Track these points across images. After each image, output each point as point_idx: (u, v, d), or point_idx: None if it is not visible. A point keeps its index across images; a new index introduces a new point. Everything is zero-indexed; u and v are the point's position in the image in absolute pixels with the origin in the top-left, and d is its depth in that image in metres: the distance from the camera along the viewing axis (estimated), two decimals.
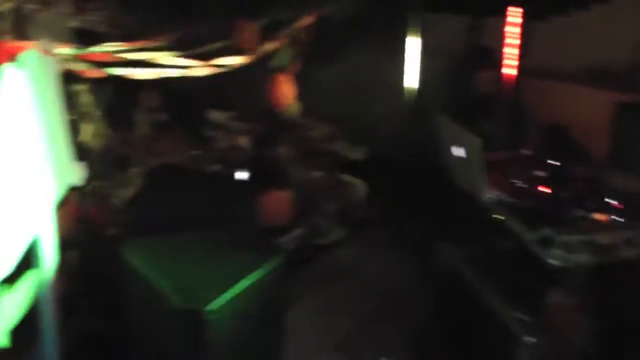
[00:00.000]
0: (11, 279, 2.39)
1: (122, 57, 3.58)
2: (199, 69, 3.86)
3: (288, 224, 4.36)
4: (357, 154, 4.88)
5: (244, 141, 4.73)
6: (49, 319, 2.68)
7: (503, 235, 3.11)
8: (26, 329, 2.59)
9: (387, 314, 4.02)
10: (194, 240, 3.32)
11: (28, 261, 2.54)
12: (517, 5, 4.55)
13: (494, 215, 3.13)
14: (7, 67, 2.21)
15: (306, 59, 4.75)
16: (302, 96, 4.91)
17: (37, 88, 2.51)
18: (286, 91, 4.84)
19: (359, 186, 4.91)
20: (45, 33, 3.09)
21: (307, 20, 4.49)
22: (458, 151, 3.31)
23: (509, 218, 3.06)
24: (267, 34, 4.32)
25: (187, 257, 3.17)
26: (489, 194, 3.22)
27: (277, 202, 4.37)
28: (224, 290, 2.87)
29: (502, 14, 4.62)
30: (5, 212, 2.23)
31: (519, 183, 3.30)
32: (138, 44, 3.76)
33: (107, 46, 3.60)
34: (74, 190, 2.96)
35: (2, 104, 2.17)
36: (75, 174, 2.89)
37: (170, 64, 3.78)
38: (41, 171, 2.47)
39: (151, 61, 3.72)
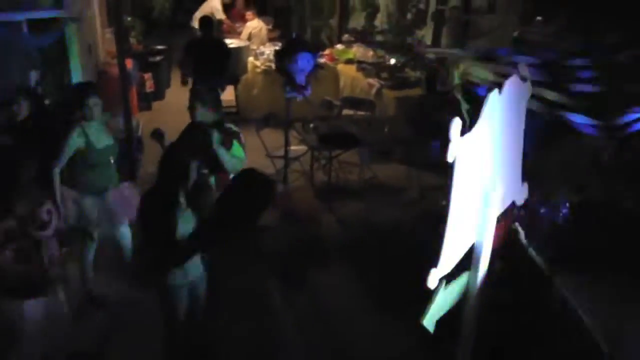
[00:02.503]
0: (449, 277, 2.68)
1: None
2: None
3: None
4: None
5: None
6: (469, 319, 2.94)
7: None
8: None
9: None
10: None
11: (465, 263, 2.80)
12: None
13: None
14: (493, 93, 2.44)
15: None
16: None
17: (510, 112, 2.73)
18: None
19: None
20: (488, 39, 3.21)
21: None
22: None
23: None
24: None
25: (624, 303, 3.01)
26: None
27: None
28: None
29: None
30: (460, 217, 2.51)
31: None
32: None
33: None
34: (511, 207, 3.09)
35: (483, 125, 2.42)
36: (520, 193, 3.05)
37: None
38: (496, 186, 2.68)
39: None
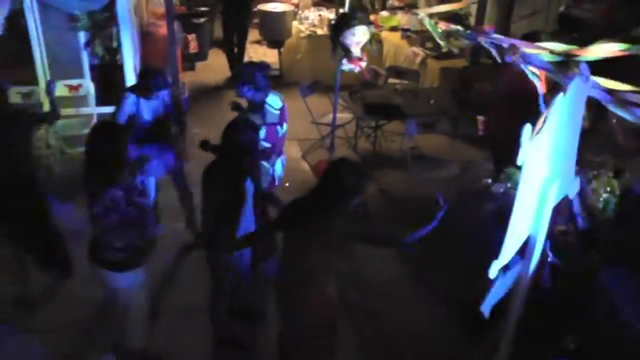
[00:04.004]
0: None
1: None
2: None
3: None
4: None
5: None
6: (518, 304, 3.10)
7: None
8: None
9: None
10: None
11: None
12: None
13: None
14: (559, 96, 2.55)
15: None
16: None
17: (571, 110, 2.83)
18: None
19: None
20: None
21: None
22: None
23: None
24: None
25: None
26: None
27: None
28: None
29: None
30: (522, 212, 2.65)
31: None
32: None
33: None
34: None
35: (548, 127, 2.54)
36: (573, 187, 3.16)
37: None
38: (553, 181, 2.80)
39: None
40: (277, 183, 5.03)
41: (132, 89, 5.21)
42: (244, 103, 4.99)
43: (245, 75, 4.77)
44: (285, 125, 4.96)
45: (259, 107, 4.76)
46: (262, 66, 4.91)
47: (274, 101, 4.84)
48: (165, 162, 5.19)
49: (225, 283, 4.30)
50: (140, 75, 5.23)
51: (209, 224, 4.16)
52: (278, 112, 4.85)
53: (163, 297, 5.02)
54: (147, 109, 5.11)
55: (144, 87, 5.07)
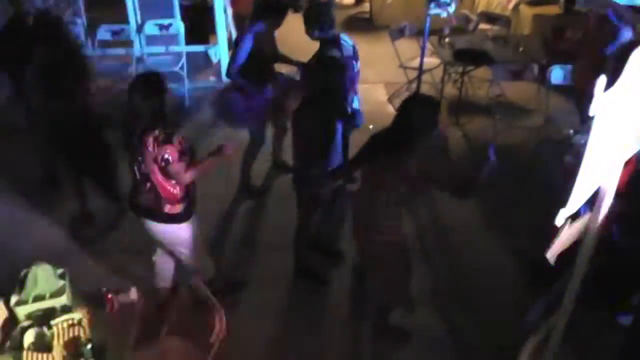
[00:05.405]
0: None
1: None
2: None
3: None
4: None
5: None
6: (585, 256, 3.15)
7: None
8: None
9: None
10: None
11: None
12: None
13: None
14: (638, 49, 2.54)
15: None
16: None
17: None
18: None
19: None
20: None
21: None
22: None
23: None
24: None
25: None
26: None
27: None
28: None
29: None
30: (592, 162, 2.69)
31: None
32: None
33: None
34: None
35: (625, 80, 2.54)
36: None
37: None
38: (628, 134, 2.81)
39: None
40: (360, 121, 5.09)
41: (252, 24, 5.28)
42: None
43: (310, 17, 4.83)
44: (358, 62, 5.04)
45: (332, 43, 4.81)
46: (321, 3, 5.01)
47: (345, 37, 4.95)
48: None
49: (310, 218, 4.52)
50: (259, 9, 5.28)
51: (299, 162, 4.30)
52: (351, 47, 4.93)
53: (248, 232, 5.35)
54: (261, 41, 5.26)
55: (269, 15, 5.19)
